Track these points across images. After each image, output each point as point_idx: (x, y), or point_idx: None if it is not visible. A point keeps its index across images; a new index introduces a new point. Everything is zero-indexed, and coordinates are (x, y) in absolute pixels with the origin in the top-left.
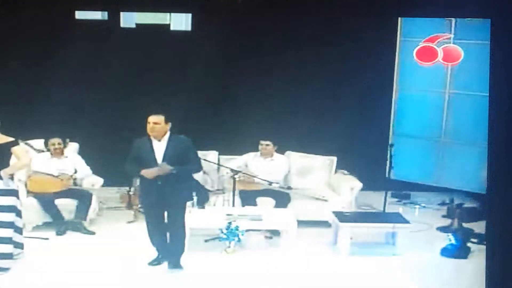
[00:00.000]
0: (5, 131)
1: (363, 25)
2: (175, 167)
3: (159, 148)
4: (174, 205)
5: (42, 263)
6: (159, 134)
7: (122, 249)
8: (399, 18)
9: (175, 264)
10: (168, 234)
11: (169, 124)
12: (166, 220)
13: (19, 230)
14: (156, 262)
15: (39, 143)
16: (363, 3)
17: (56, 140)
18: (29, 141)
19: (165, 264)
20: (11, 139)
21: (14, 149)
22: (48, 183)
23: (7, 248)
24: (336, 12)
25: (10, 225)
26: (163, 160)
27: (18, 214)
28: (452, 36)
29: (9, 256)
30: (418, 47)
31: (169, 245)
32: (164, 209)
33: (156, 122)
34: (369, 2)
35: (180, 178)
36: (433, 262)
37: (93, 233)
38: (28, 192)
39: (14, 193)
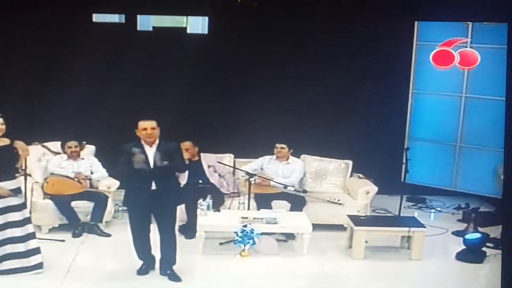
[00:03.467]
0: (23, 133)
1: (380, 29)
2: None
3: (151, 153)
4: (166, 211)
5: (58, 265)
6: (154, 139)
7: None
8: (416, 22)
9: (172, 276)
10: (160, 243)
11: (159, 129)
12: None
13: None
14: (143, 272)
15: (56, 145)
16: (380, 7)
17: (73, 143)
18: (46, 144)
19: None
20: (8, 141)
21: None
22: (65, 185)
23: (34, 243)
24: (353, 16)
25: (29, 220)
26: (154, 165)
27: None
28: (469, 40)
29: (38, 251)
30: (435, 51)
31: (161, 254)
32: (152, 215)
33: (153, 127)
34: (386, 6)
35: (171, 181)
36: (448, 266)
37: (109, 235)
38: (45, 194)
39: (20, 190)
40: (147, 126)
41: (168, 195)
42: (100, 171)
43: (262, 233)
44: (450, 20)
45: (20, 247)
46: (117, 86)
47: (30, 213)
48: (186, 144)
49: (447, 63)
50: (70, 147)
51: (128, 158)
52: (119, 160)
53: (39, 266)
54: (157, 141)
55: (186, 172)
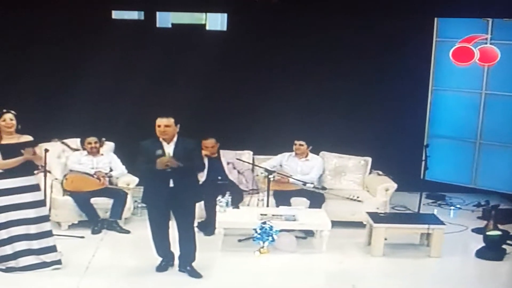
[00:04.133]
0: (42, 130)
1: (399, 26)
2: (184, 163)
3: (169, 150)
4: (184, 207)
5: (77, 261)
6: (170, 136)
7: None
8: (435, 19)
9: (192, 272)
10: (178, 239)
11: (178, 127)
12: (175, 225)
13: None
14: (162, 268)
15: (75, 142)
16: (399, 3)
17: (92, 139)
18: (65, 140)
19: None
20: (30, 138)
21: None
22: (84, 182)
23: (52, 241)
24: (372, 12)
25: (48, 218)
26: (170, 159)
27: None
28: (488, 36)
29: (54, 249)
30: (454, 47)
31: (181, 251)
32: (170, 212)
33: (167, 125)
34: (405, 2)
35: (190, 179)
36: (468, 264)
37: (128, 231)
38: (64, 190)
39: (39, 187)
40: (161, 123)
41: (186, 193)
42: (119, 168)
43: (281, 230)
44: (470, 16)
45: (34, 244)
46: (136, 83)
47: (50, 210)
48: (210, 142)
49: (467, 60)
50: (90, 143)
51: (146, 155)
52: (138, 157)
53: (58, 262)
54: (175, 139)
55: (205, 169)
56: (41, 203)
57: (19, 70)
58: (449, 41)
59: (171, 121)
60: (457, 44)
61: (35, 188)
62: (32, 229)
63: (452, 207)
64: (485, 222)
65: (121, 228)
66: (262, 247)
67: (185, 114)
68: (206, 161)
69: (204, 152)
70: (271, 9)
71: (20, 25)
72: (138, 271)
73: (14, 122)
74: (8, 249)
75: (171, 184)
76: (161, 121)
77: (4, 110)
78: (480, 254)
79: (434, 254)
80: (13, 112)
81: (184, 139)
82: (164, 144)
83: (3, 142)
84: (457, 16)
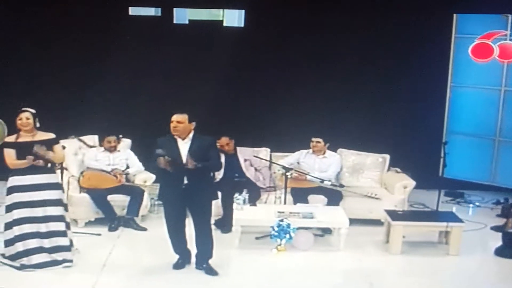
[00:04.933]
0: (60, 127)
1: (418, 22)
2: (200, 163)
3: (184, 147)
4: (200, 205)
5: (94, 259)
6: (182, 133)
7: None
8: (454, 15)
9: (209, 270)
10: (195, 237)
11: (193, 124)
12: (191, 223)
13: (68, 225)
14: (179, 266)
15: (92, 139)
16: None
17: (112, 138)
18: (82, 137)
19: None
20: (53, 135)
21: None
22: (101, 179)
23: (64, 241)
24: (391, 8)
25: (61, 218)
26: (187, 159)
27: (65, 208)
28: (508, 32)
29: (67, 248)
30: (474, 44)
31: (197, 249)
32: (186, 209)
33: (179, 121)
34: None
35: (204, 176)
36: (487, 262)
37: (145, 229)
38: (81, 188)
39: (60, 186)
40: (173, 119)
41: (201, 190)
42: (136, 165)
43: (299, 228)
44: (489, 12)
45: (45, 243)
46: (153, 80)
47: (66, 209)
48: (224, 140)
49: (486, 56)
50: (109, 142)
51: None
52: (154, 153)
53: (69, 260)
54: (190, 136)
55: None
56: (57, 202)
57: (36, 67)
58: (468, 37)
59: (184, 117)
60: (476, 41)
61: (53, 186)
62: (44, 227)
63: (471, 205)
64: (504, 219)
65: (137, 225)
66: (280, 245)
67: (202, 111)
68: (223, 158)
69: (218, 146)
70: (288, 5)
71: (37, 23)
72: (154, 269)
73: (31, 121)
74: (19, 246)
75: (185, 181)
76: (174, 117)
77: (22, 109)
78: (499, 252)
79: (452, 252)
80: (31, 110)
81: (200, 137)
82: (179, 141)
83: (19, 140)
84: (476, 12)
